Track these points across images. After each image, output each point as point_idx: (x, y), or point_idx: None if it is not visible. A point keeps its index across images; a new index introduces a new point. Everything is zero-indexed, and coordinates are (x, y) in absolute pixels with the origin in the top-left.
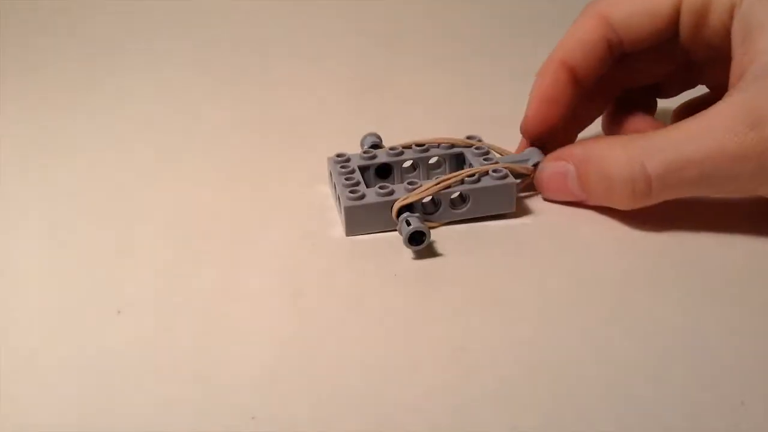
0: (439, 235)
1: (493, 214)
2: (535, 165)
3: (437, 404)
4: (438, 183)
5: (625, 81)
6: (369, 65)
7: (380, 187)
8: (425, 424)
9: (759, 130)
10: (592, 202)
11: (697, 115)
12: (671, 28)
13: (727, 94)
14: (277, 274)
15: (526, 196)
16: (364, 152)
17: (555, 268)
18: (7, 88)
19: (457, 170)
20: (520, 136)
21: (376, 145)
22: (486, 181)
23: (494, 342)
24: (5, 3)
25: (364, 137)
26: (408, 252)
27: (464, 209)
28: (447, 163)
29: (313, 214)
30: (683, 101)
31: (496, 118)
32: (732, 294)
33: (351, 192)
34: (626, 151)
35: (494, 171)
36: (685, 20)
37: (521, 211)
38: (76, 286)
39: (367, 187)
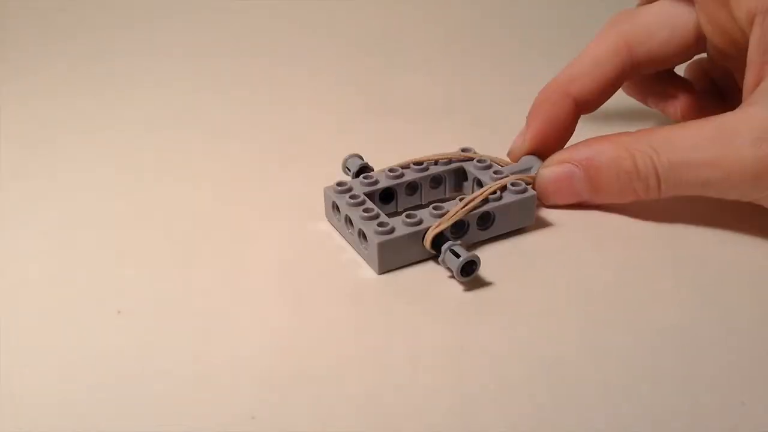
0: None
1: (516, 228)
2: None
3: (437, 404)
4: (465, 205)
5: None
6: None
7: (407, 216)
8: (425, 424)
9: None
10: (596, 202)
11: (713, 119)
12: (696, 48)
13: (745, 103)
14: (276, 273)
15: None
16: (364, 177)
17: (560, 270)
18: (7, 88)
19: (458, 186)
20: (507, 143)
21: (364, 168)
22: (508, 197)
23: (494, 342)
24: (5, 3)
25: (347, 159)
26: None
27: (491, 228)
28: (447, 180)
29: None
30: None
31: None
32: (732, 294)
33: (379, 226)
34: (635, 149)
35: (512, 185)
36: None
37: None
38: (76, 287)
39: None
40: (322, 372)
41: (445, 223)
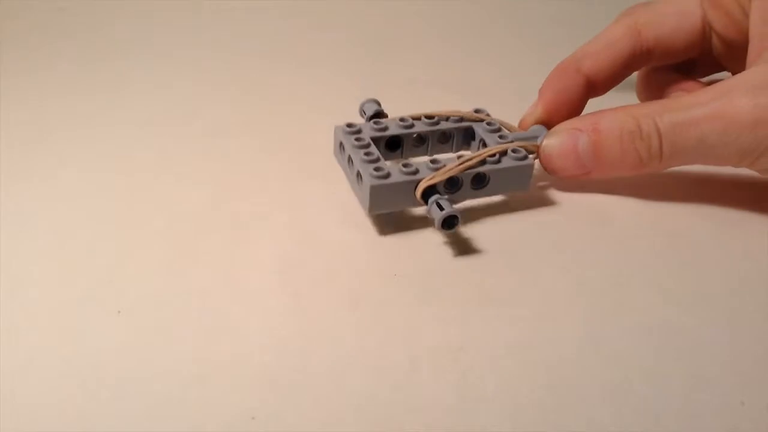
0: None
1: (510, 191)
2: None
3: (437, 404)
4: (462, 163)
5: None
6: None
7: (404, 165)
8: (425, 423)
9: None
10: (599, 173)
11: (715, 84)
12: (704, 40)
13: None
14: (277, 273)
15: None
16: (375, 123)
17: (561, 268)
18: (7, 88)
19: (466, 144)
20: (523, 111)
21: (379, 113)
22: (506, 162)
23: (494, 341)
24: (5, 3)
25: (364, 103)
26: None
27: (484, 189)
28: (456, 137)
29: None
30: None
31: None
32: (733, 293)
33: (375, 170)
34: (639, 114)
35: (513, 151)
36: (715, 26)
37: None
38: (76, 286)
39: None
40: (323, 372)
41: (438, 177)
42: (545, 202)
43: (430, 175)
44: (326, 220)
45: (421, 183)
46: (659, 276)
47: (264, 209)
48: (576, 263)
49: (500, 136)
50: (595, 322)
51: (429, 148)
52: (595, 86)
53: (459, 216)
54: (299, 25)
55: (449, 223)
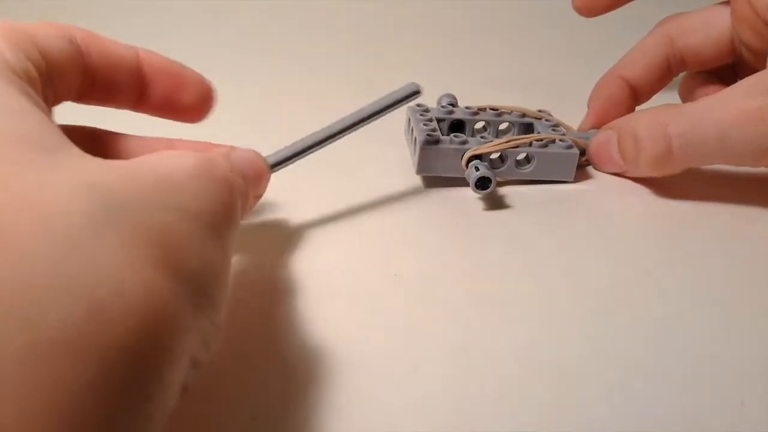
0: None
1: (553, 179)
2: None
3: (437, 404)
4: (509, 141)
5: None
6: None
7: (455, 136)
8: (425, 423)
9: None
10: (630, 171)
11: (732, 86)
12: (733, 48)
13: None
14: (274, 273)
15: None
16: (442, 106)
17: (554, 265)
18: None
19: None
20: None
21: (452, 105)
22: (552, 148)
23: (493, 338)
24: (5, 2)
25: (441, 97)
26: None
27: (528, 170)
28: (515, 130)
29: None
30: None
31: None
32: (733, 293)
33: (428, 134)
34: (664, 115)
35: (561, 140)
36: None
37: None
38: None
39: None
40: (324, 371)
41: (483, 149)
42: (548, 201)
43: (477, 146)
44: (322, 220)
45: (468, 152)
46: (658, 274)
47: (262, 208)
48: (576, 263)
49: (554, 131)
50: (594, 320)
51: (490, 137)
52: (637, 93)
53: (493, 178)
54: (301, 22)
55: (483, 184)
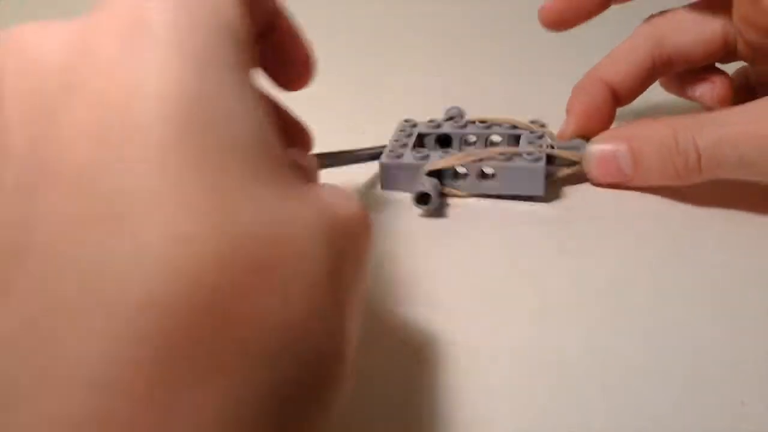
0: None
1: (523, 194)
2: None
3: (437, 404)
4: (467, 155)
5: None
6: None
7: (417, 152)
8: (425, 423)
9: None
10: (638, 182)
11: (756, 101)
12: (725, 46)
13: None
14: None
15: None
16: (429, 121)
17: (561, 265)
18: None
19: None
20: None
21: (452, 117)
22: (516, 162)
23: (494, 338)
24: (5, 2)
25: (449, 109)
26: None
27: (492, 185)
28: (505, 142)
29: None
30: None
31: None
32: (733, 293)
33: (391, 151)
34: (678, 127)
35: (528, 154)
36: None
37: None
38: None
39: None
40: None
41: (441, 164)
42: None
43: (435, 161)
44: None
45: (426, 166)
46: (659, 274)
47: None
48: (576, 262)
49: (540, 144)
50: (595, 320)
51: (476, 150)
52: (619, 96)
53: (432, 194)
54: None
55: (422, 200)
